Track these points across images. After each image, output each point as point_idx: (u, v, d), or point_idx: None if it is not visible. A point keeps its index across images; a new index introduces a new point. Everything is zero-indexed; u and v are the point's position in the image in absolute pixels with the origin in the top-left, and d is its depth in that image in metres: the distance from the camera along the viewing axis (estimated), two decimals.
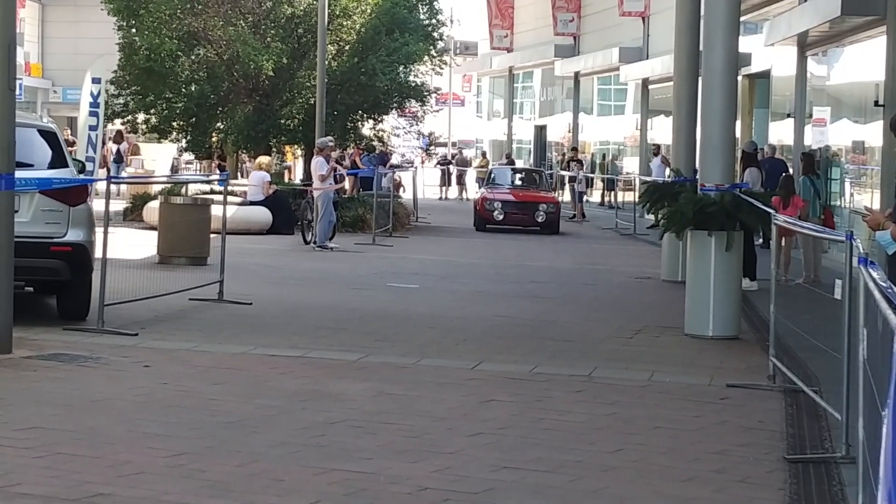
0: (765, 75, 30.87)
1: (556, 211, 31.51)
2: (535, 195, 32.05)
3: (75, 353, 10.83)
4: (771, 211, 12.26)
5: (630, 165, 43.64)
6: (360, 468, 7.40)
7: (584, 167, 40.77)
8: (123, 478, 6.94)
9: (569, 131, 49.52)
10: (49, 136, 12.80)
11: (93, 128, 24.25)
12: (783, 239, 18.64)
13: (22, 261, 11.09)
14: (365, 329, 13.30)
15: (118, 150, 38.82)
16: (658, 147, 36.65)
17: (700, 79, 15.79)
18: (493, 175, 35.10)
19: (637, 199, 29.23)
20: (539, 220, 30.88)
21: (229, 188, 20.63)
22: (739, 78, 18.21)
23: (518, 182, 33.67)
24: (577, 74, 48.14)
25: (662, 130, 37.28)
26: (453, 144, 63.39)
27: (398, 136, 37.83)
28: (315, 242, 23.40)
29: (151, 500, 6.53)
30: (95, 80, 24.64)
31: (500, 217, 31.04)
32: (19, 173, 11.04)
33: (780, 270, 18.55)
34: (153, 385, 9.72)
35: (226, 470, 7.22)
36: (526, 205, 31.37)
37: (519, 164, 48.63)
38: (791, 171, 24.50)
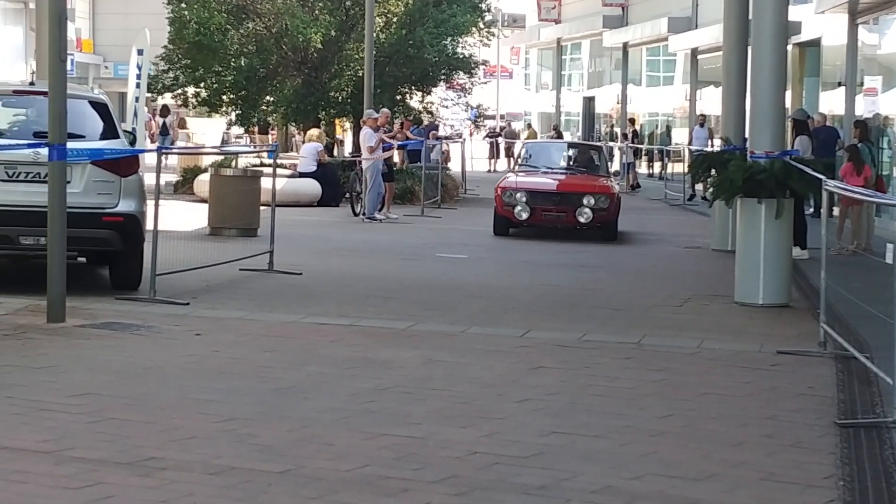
0: (815, 44, 30.59)
1: (610, 206, 20.89)
2: (582, 182, 21.67)
3: (127, 321, 10.92)
4: (821, 177, 12.16)
5: (679, 136, 43.41)
6: (409, 433, 7.44)
7: (630, 139, 40.45)
8: (175, 442, 7.01)
9: (617, 103, 49.29)
10: (100, 108, 12.88)
11: (137, 99, 24.41)
12: (849, 208, 18.51)
13: (74, 231, 11.18)
14: (414, 298, 13.34)
15: (164, 124, 39.02)
16: (703, 117, 36.41)
17: (749, 48, 15.70)
18: (526, 152, 24.51)
19: (686, 170, 29.02)
20: (582, 219, 20.72)
21: (279, 161, 20.73)
22: (789, 47, 18.11)
23: (562, 163, 23.50)
24: (625, 45, 47.85)
25: (712, 101, 37.04)
26: (501, 117, 63.26)
27: (446, 107, 37.71)
28: (364, 214, 23.45)
29: (203, 463, 6.60)
30: (139, 52, 24.77)
31: (525, 215, 20.81)
32: (71, 144, 11.14)
33: (846, 238, 18.45)
34: (204, 353, 9.81)
35: (276, 435, 7.29)
36: (565, 197, 21.10)
37: (567, 136, 48.37)
38: (842, 139, 24.33)
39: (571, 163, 23.38)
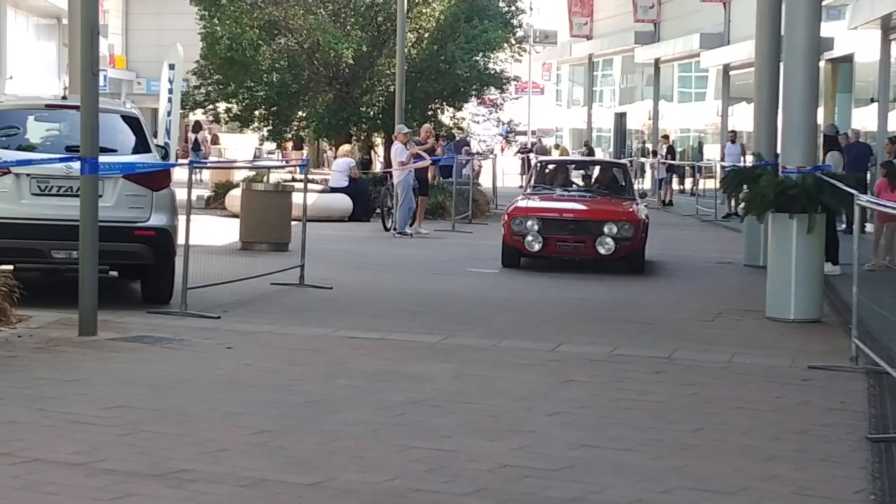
0: (848, 60, 30.51)
1: (635, 235, 17.85)
2: (603, 207, 18.52)
3: (159, 335, 10.97)
4: (853, 192, 12.12)
5: (711, 152, 43.31)
6: (439, 446, 7.44)
7: (663, 155, 40.31)
8: (206, 454, 7.03)
9: (649, 118, 49.23)
10: (132, 122, 12.95)
11: (168, 113, 24.53)
12: (885, 224, 18.38)
13: (106, 245, 11.24)
14: (445, 312, 13.34)
15: (196, 140, 39.21)
16: (734, 133, 36.29)
17: (782, 63, 15.66)
18: (540, 172, 20.78)
19: (718, 186, 28.94)
20: (603, 250, 17.71)
21: (310, 176, 20.78)
22: (822, 63, 18.08)
23: (580, 184, 20.93)
24: (657, 61, 47.80)
25: (744, 117, 36.95)
26: (533, 133, 63.26)
27: (478, 123, 37.71)
28: (395, 229, 23.48)
29: (233, 475, 6.61)
30: (171, 67, 24.89)
31: (538, 246, 17.83)
32: (103, 158, 11.20)
33: (880, 254, 18.34)
34: (235, 366, 9.83)
35: (307, 447, 7.30)
36: (582, 225, 18.00)
37: (598, 153, 48.28)
38: (875, 155, 24.22)
39: (591, 184, 20.55)
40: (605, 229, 17.64)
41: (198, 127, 39.50)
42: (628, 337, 12.03)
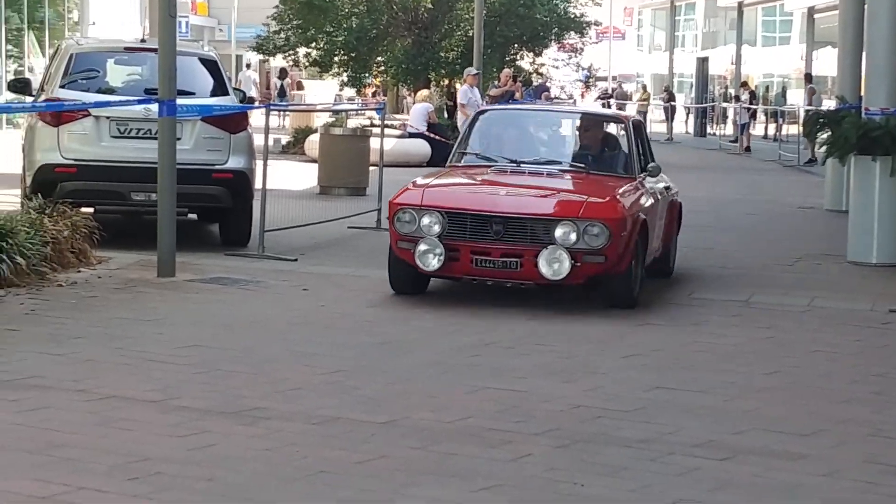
0: None
1: (613, 245, 9.87)
2: (559, 197, 10.52)
3: (236, 276, 11.04)
4: None
5: (794, 97, 42.76)
6: (512, 387, 7.44)
7: (745, 100, 39.89)
8: (279, 393, 7.08)
9: (732, 63, 48.67)
10: (210, 65, 12.99)
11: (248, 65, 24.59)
12: None
13: (184, 188, 11.29)
14: None
15: (281, 86, 39.35)
16: (808, 76, 35.70)
17: (866, 5, 15.37)
18: (478, 129, 11.69)
19: (800, 130, 28.54)
20: (548, 272, 9.80)
21: (389, 121, 20.77)
22: None
23: (546, 149, 11.73)
24: (740, 5, 47.20)
25: (828, 62, 36.42)
26: (613, 79, 62.82)
27: (557, 68, 37.50)
28: None
29: (306, 413, 6.65)
30: None
31: (437, 262, 9.93)
32: (181, 100, 11.25)
33: None
34: (311, 307, 9.88)
35: (379, 387, 7.32)
36: (516, 226, 10.00)
37: (680, 99, 47.79)
38: None
39: (564, 152, 11.83)
40: (557, 235, 9.79)
41: (283, 73, 39.61)
42: (705, 281, 11.95)
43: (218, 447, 5.99)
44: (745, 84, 42.30)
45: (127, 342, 8.23)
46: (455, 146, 11.77)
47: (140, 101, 11.89)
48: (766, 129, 42.97)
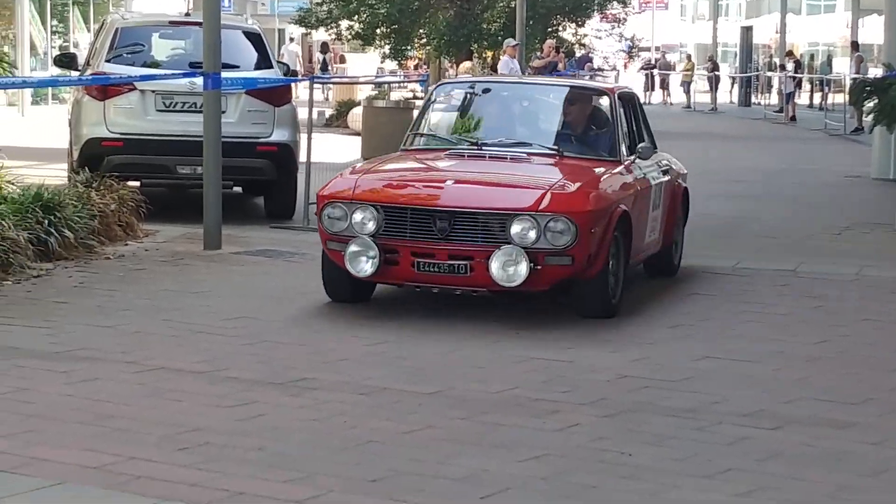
0: None
1: (581, 243, 8.17)
2: (519, 185, 8.66)
3: (281, 249, 11.07)
4: None
5: (840, 66, 42.40)
6: (558, 357, 7.44)
7: (791, 69, 39.58)
8: (327, 364, 7.10)
9: (776, 32, 48.29)
10: (254, 38, 13.02)
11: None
12: None
13: (229, 161, 11.32)
14: None
15: (324, 60, 39.37)
16: (854, 44, 35.34)
17: None
18: (436, 103, 10.21)
19: (846, 99, 28.29)
20: (503, 276, 8.09)
21: None
22: None
23: (515, 128, 9.78)
24: None
25: (874, 30, 36.07)
26: (656, 49, 62.45)
27: (600, 39, 37.30)
28: None
29: (354, 384, 6.67)
30: None
31: (370, 267, 8.29)
32: (225, 74, 11.27)
33: None
34: None
35: (426, 358, 7.33)
36: (464, 221, 8.28)
37: (724, 69, 47.46)
38: None
39: (535, 132, 9.78)
40: (513, 232, 8.16)
41: (325, 48, 39.65)
42: (752, 251, 11.88)
43: (266, 418, 6.02)
44: (790, 53, 41.95)
45: (174, 314, 8.27)
46: (410, 126, 10.17)
47: (185, 75, 11.93)
48: (811, 97, 42.64)
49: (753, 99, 44.19)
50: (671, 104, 45.61)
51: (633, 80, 48.74)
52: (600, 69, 38.87)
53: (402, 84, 28.27)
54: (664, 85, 49.66)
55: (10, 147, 14.91)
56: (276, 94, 12.58)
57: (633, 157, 9.48)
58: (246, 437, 5.65)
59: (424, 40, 32.94)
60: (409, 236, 8.31)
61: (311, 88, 13.33)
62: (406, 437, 5.76)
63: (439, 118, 10.11)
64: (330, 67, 39.68)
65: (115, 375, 6.71)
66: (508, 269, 8.08)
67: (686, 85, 45.83)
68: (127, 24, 13.28)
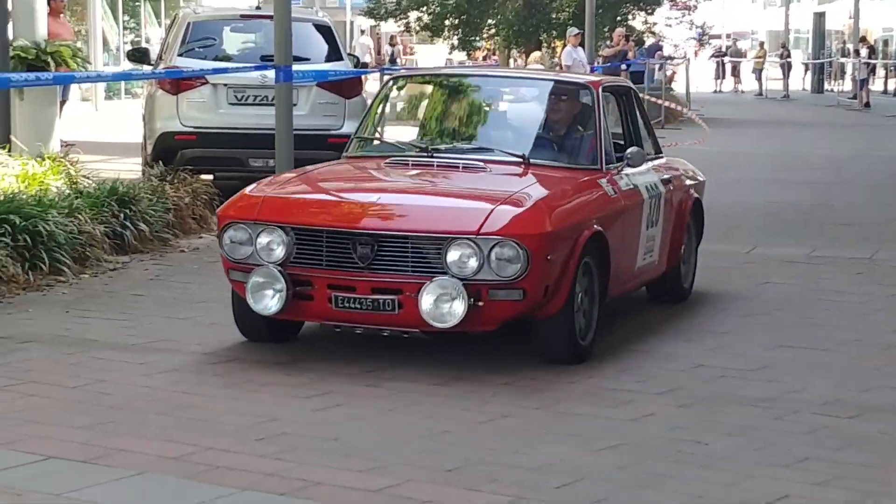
0: None
1: (534, 275, 6.57)
2: (458, 205, 7.15)
3: None
4: None
5: None
6: (633, 347, 7.41)
7: (865, 54, 39.14)
8: (401, 354, 7.09)
9: (850, 18, 47.75)
10: (324, 30, 13.08)
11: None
12: None
13: (301, 153, 11.34)
14: None
15: (392, 53, 39.50)
16: None
17: None
18: (386, 100, 8.50)
19: None
20: (433, 317, 6.55)
21: None
22: None
23: (469, 130, 8.20)
24: None
25: None
26: (727, 36, 61.98)
27: (670, 27, 37.11)
28: None
29: (428, 374, 6.69)
30: None
31: (276, 303, 6.79)
32: (296, 66, 11.33)
33: None
34: None
35: (499, 347, 7.30)
36: (392, 247, 6.70)
37: (797, 56, 47.02)
38: None
39: (499, 135, 8.11)
40: (450, 260, 6.65)
41: (393, 40, 39.80)
42: (828, 238, 11.77)
43: (342, 408, 6.05)
44: (863, 39, 41.47)
45: None
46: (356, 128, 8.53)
47: (256, 68, 12.00)
48: (885, 83, 42.16)
49: (826, 86, 43.78)
50: (742, 92, 45.28)
51: (703, 68, 48.45)
52: (670, 57, 38.69)
53: None
54: (735, 72, 49.31)
55: (85, 142, 15.12)
56: (347, 86, 12.63)
57: (620, 165, 7.83)
58: (323, 427, 5.69)
59: (493, 31, 32.92)
60: (326, 265, 6.76)
61: (382, 80, 13.34)
62: (481, 427, 5.77)
63: (387, 118, 8.57)
64: (399, 59, 39.77)
65: (191, 367, 6.78)
66: (442, 305, 6.54)
67: (758, 72, 45.50)
68: (198, 18, 13.38)
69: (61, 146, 12.86)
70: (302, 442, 5.47)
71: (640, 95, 9.35)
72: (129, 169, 13.60)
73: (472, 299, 6.51)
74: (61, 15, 16.62)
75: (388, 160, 7.74)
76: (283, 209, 7.03)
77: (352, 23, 52.15)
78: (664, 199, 8.32)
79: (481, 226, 6.62)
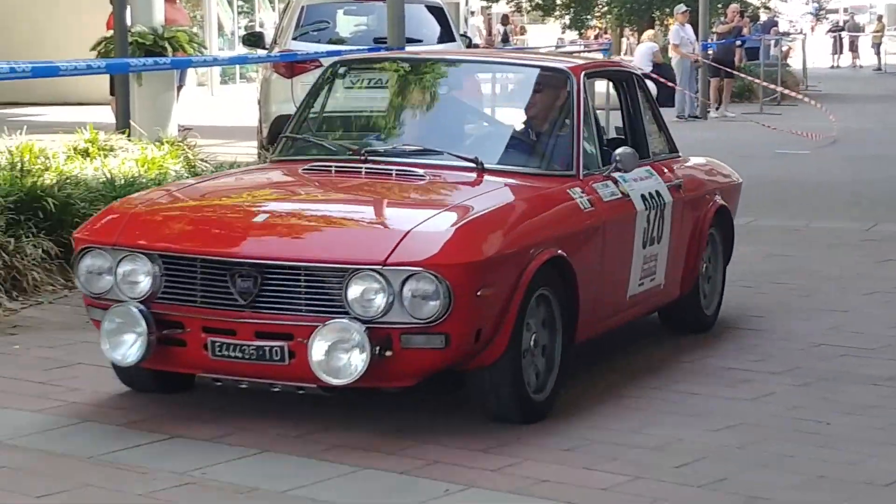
0: None
1: (460, 314, 5.01)
2: (356, 225, 5.56)
3: None
4: None
5: None
6: (750, 325, 7.37)
7: None
8: None
9: None
10: (436, 12, 13.11)
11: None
12: None
13: None
14: (752, 194, 12.98)
15: (504, 32, 39.42)
16: None
17: None
18: (323, 91, 7.05)
19: None
20: (324, 370, 5.02)
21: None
22: None
23: (417, 128, 6.75)
24: None
25: None
26: (844, 10, 60.94)
27: (786, 2, 36.62)
28: (686, 113, 23.19)
29: None
30: None
31: (139, 350, 5.28)
32: (409, 48, 11.36)
33: None
34: None
35: None
36: (277, 281, 5.18)
37: None
38: None
39: (452, 133, 6.61)
40: (351, 297, 5.08)
41: (505, 20, 39.73)
42: None
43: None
44: None
45: None
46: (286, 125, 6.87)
47: (370, 50, 12.05)
48: None
49: None
50: (861, 67, 44.50)
51: (820, 43, 47.72)
52: (786, 33, 38.17)
53: (583, 54, 28.11)
54: (853, 47, 48.47)
55: (202, 126, 15.31)
56: None
57: (606, 170, 6.31)
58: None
59: (605, 9, 32.76)
60: (201, 302, 5.31)
61: None
62: (599, 407, 5.76)
63: (321, 113, 6.99)
64: (511, 39, 39.70)
65: None
66: (337, 356, 5.05)
67: (876, 47, 44.69)
68: (312, 1, 13.48)
69: (179, 130, 13.04)
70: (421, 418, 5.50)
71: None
72: (245, 152, 13.76)
73: (377, 348, 5.02)
74: (177, 1, 16.84)
75: (306, 166, 6.23)
76: (150, 230, 5.52)
77: (457, 5, 52.16)
78: (671, 210, 6.75)
79: (390, 253, 5.08)
